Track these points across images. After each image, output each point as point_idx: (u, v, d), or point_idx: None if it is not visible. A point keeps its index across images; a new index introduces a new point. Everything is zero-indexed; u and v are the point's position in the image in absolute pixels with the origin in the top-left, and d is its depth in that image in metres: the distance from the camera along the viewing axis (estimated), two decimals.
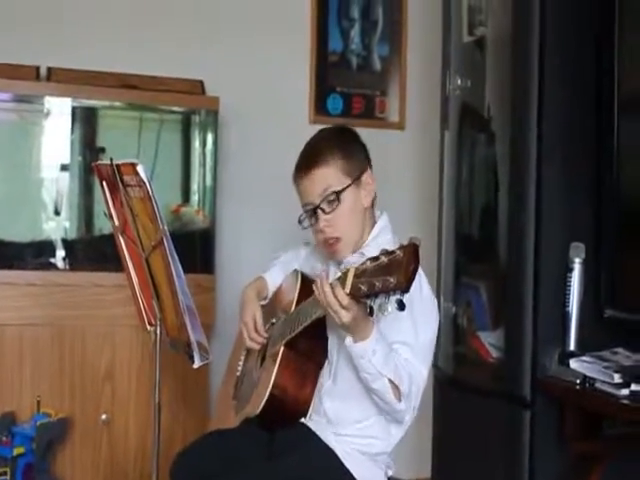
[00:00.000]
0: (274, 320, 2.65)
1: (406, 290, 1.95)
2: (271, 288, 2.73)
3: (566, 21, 2.96)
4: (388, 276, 1.95)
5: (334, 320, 2.15)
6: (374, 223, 2.50)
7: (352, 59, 4.22)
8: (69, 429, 3.40)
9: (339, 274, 2.13)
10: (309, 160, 2.45)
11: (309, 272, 2.68)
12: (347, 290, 2.05)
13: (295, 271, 2.66)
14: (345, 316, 2.10)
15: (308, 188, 2.45)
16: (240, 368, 2.81)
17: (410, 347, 2.29)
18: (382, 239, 2.44)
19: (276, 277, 2.74)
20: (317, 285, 2.15)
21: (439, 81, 3.54)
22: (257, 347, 2.62)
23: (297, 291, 2.54)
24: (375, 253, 2.33)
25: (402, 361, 2.26)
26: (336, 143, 2.46)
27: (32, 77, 3.57)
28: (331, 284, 2.11)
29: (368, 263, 2.01)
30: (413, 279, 1.95)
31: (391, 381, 2.23)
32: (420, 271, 2.19)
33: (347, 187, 2.41)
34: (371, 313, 2.03)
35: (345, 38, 4.20)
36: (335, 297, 2.09)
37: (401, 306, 1.97)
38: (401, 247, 1.98)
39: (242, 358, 2.81)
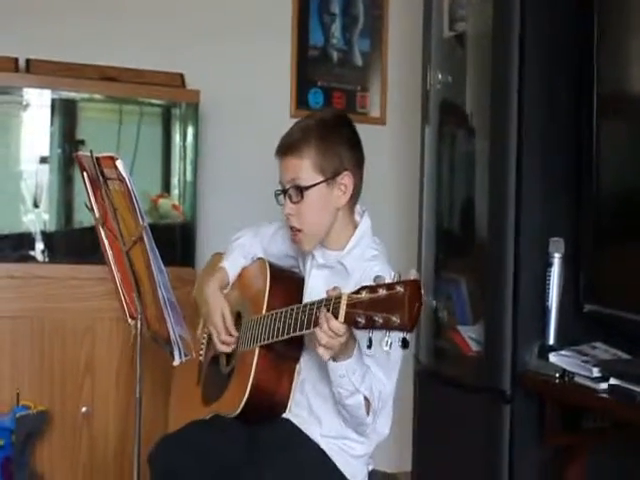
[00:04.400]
0: (240, 311, 2.60)
1: (411, 331, 1.90)
2: (232, 277, 2.66)
3: (547, 17, 2.97)
4: (390, 314, 1.89)
5: (321, 350, 2.08)
6: (354, 225, 2.46)
7: (333, 54, 4.23)
8: (49, 422, 3.39)
9: (324, 297, 2.07)
10: (286, 145, 2.42)
11: (276, 251, 2.66)
12: (341, 320, 1.99)
13: (261, 260, 2.62)
14: (337, 345, 2.06)
15: (282, 170, 2.43)
16: (202, 352, 2.77)
17: (380, 365, 2.27)
18: (363, 245, 2.41)
19: (236, 264, 2.67)
20: (321, 321, 2.05)
21: (420, 76, 3.55)
22: (229, 350, 2.56)
23: (267, 288, 2.49)
24: (356, 265, 2.33)
25: (375, 380, 2.24)
26: (317, 135, 2.39)
27: (11, 69, 3.54)
28: (326, 315, 2.03)
29: (363, 294, 1.94)
30: (418, 319, 1.90)
31: (365, 397, 2.23)
32: None
33: (315, 185, 2.37)
34: (370, 346, 1.96)
35: (326, 33, 4.21)
36: (330, 329, 2.03)
37: (405, 345, 1.92)
38: (401, 281, 1.91)
39: (204, 342, 2.77)
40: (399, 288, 1.90)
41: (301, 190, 2.37)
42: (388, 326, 1.90)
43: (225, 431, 2.45)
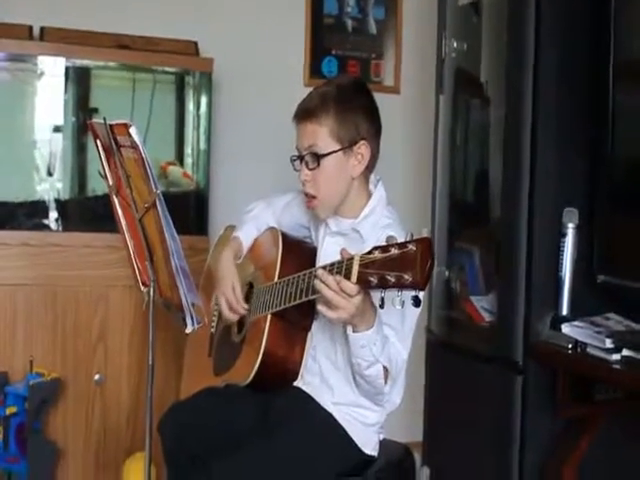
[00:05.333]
0: (252, 282, 2.61)
1: (423, 289, 1.89)
2: (245, 247, 2.68)
3: None
4: (402, 272, 1.88)
5: (336, 314, 2.07)
6: (368, 194, 2.45)
7: (348, 22, 4.21)
8: (62, 389, 3.41)
9: (337, 259, 2.05)
10: (304, 110, 2.42)
11: (289, 221, 2.67)
12: (353, 280, 1.97)
13: (273, 230, 2.62)
14: (351, 308, 2.04)
15: (299, 136, 2.43)
16: (214, 324, 2.78)
17: (396, 332, 2.27)
18: (378, 213, 2.41)
19: (250, 235, 2.69)
20: (320, 278, 2.06)
21: (435, 44, 3.52)
22: (236, 318, 2.57)
23: (279, 256, 2.49)
24: (370, 232, 2.31)
25: (393, 348, 2.25)
26: (335, 103, 2.38)
27: (25, 36, 3.54)
28: (336, 278, 2.02)
29: (376, 253, 1.93)
30: (430, 277, 1.89)
31: (385, 367, 2.23)
32: None
33: (331, 153, 2.37)
34: (382, 306, 1.96)
35: (340, 1, 4.19)
36: (342, 290, 2.01)
37: (417, 303, 1.92)
38: (412, 240, 1.91)
39: (215, 313, 2.78)
40: (411, 246, 1.90)
41: (318, 157, 2.37)
42: (400, 284, 1.90)
43: (236, 399, 2.46)
